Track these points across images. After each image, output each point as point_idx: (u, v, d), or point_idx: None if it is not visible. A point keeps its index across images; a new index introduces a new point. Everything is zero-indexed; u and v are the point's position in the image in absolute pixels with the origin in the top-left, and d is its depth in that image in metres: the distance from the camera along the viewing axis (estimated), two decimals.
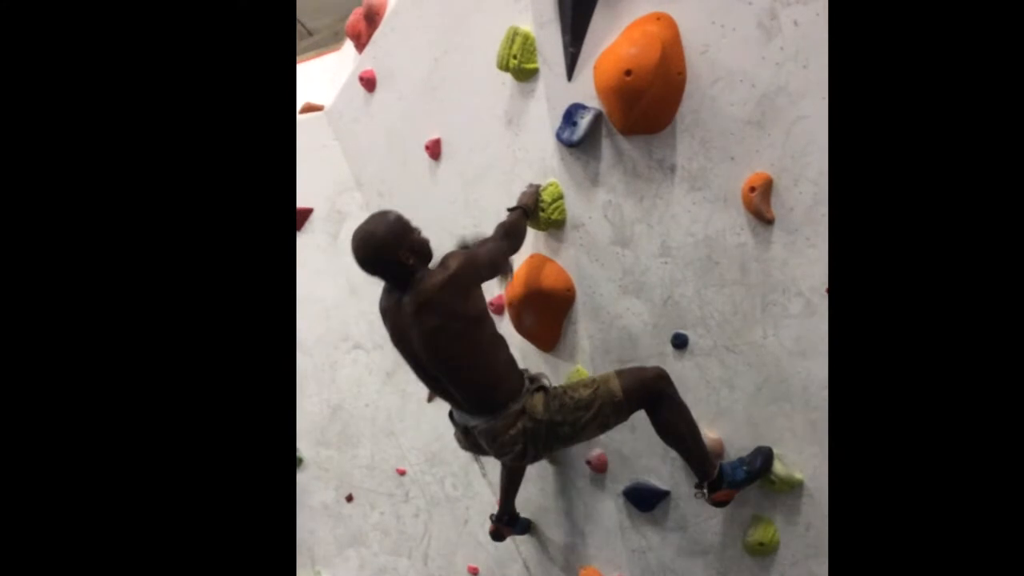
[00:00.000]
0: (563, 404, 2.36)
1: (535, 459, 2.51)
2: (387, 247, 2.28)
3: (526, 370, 2.51)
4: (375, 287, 3.69)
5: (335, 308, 3.83)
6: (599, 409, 2.36)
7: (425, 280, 2.27)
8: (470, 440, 2.54)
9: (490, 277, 2.49)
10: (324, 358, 3.95)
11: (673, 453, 2.57)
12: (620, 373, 2.42)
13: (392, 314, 2.41)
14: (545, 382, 2.44)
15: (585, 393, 2.37)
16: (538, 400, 2.36)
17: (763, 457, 2.42)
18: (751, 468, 2.42)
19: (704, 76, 2.22)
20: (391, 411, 3.80)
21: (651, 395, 2.39)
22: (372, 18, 3.20)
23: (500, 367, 2.40)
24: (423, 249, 2.35)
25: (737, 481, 2.42)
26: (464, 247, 2.58)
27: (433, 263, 2.37)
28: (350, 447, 4.02)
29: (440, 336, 2.27)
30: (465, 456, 3.56)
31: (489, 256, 2.41)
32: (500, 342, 2.44)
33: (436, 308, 2.24)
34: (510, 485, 3.13)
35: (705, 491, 2.43)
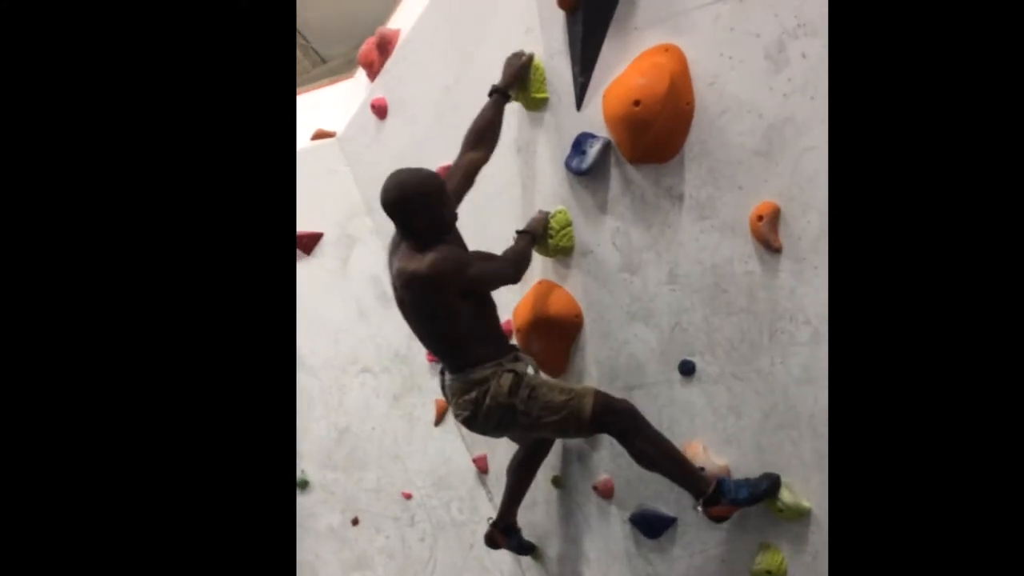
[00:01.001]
0: (532, 397, 2.37)
1: (483, 432, 2.56)
2: (408, 201, 2.30)
3: (519, 350, 2.55)
4: (384, 311, 3.70)
5: (344, 331, 3.83)
6: (564, 418, 2.38)
7: (415, 259, 2.28)
8: (446, 395, 2.57)
9: (476, 291, 2.44)
10: (332, 381, 3.94)
11: None
12: (598, 395, 2.41)
13: (391, 259, 2.47)
14: (521, 368, 2.44)
15: (558, 399, 2.38)
16: (505, 381, 2.37)
17: (770, 482, 2.37)
18: (755, 490, 2.37)
19: (712, 107, 2.23)
20: (398, 435, 3.78)
21: (618, 427, 2.41)
22: (384, 47, 3.23)
23: (474, 332, 2.42)
24: (438, 223, 2.35)
25: (739, 499, 2.37)
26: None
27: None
28: (356, 470, 4.00)
29: (413, 306, 2.39)
30: (472, 480, 3.54)
31: (482, 274, 2.42)
32: (483, 312, 2.46)
33: (411, 289, 2.32)
34: (515, 492, 3.03)
35: (700, 506, 2.40)
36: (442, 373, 2.59)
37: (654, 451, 2.41)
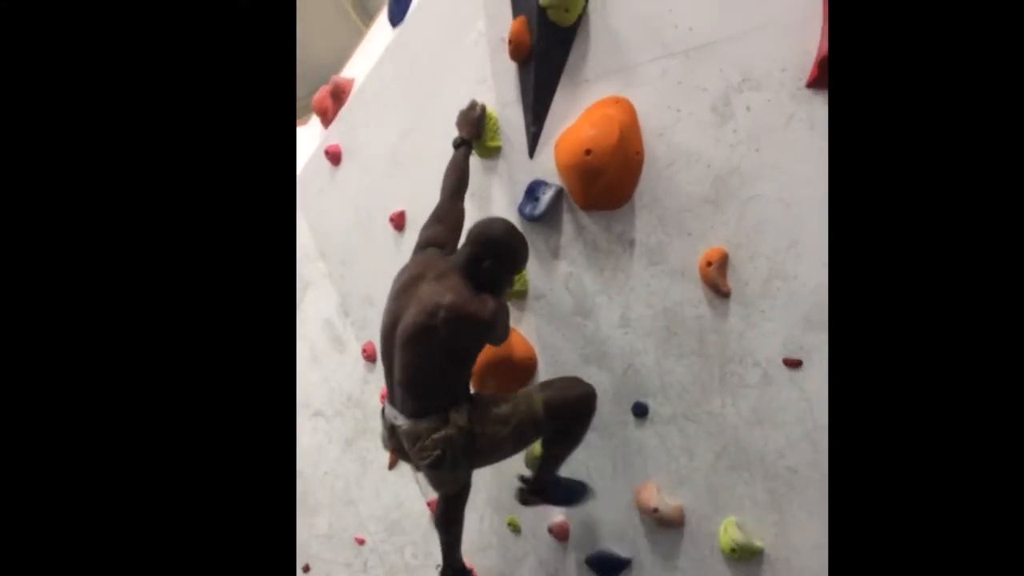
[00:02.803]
0: (482, 416, 2.27)
1: (452, 469, 2.32)
2: (507, 249, 2.24)
3: (476, 394, 2.43)
4: (337, 355, 3.62)
5: (297, 375, 3.73)
6: (516, 426, 2.27)
7: (475, 300, 2.17)
8: (394, 440, 2.42)
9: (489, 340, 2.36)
10: None
11: (636, 521, 2.53)
12: (545, 387, 2.33)
13: (416, 278, 2.28)
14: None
15: (504, 409, 2.28)
16: (463, 410, 2.27)
17: (577, 492, 2.67)
18: (565, 494, 2.65)
19: (661, 157, 2.25)
20: (350, 479, 3.68)
21: (571, 417, 2.33)
22: (338, 95, 3.20)
23: (453, 381, 2.30)
24: (505, 283, 2.30)
25: (554, 498, 2.62)
26: None
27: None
28: (308, 516, 3.87)
29: (442, 338, 2.17)
30: (426, 524, 3.45)
31: (505, 335, 2.37)
32: (469, 365, 2.34)
33: (456, 324, 2.14)
34: (451, 539, 2.89)
35: (525, 488, 2.58)
36: (383, 417, 2.45)
37: (566, 453, 2.44)
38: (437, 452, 2.24)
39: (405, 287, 2.29)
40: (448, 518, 2.79)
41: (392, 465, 3.44)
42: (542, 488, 2.58)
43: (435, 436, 2.23)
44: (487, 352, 2.74)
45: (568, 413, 2.30)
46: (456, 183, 2.50)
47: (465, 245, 2.28)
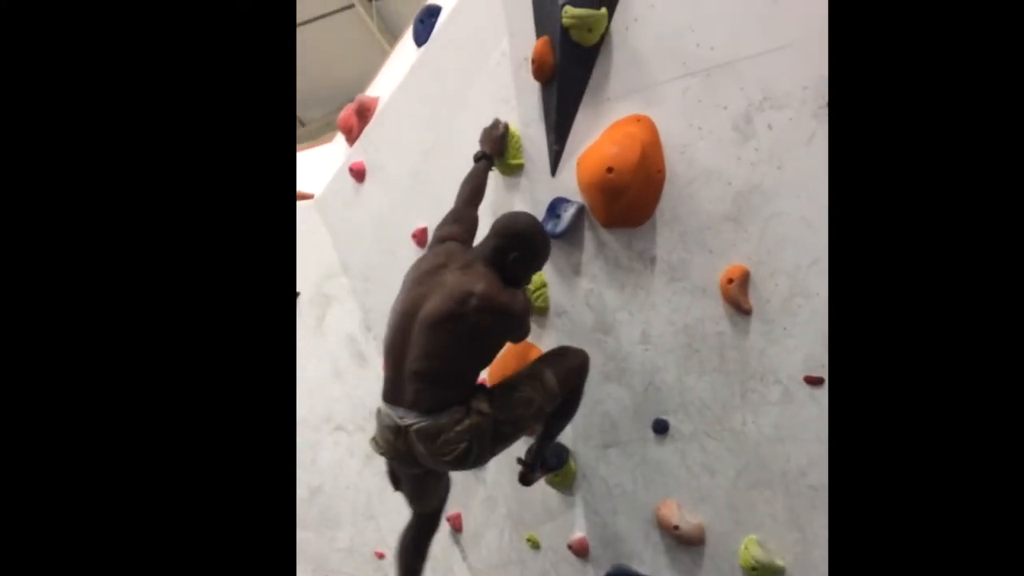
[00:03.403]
0: (505, 403, 2.22)
1: (476, 463, 2.25)
2: (531, 243, 2.23)
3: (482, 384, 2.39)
4: (359, 369, 3.63)
5: (318, 389, 3.74)
6: (539, 405, 2.27)
7: (506, 292, 2.16)
8: (398, 443, 2.22)
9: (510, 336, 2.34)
10: (305, 439, 3.83)
11: (656, 538, 2.50)
12: (546, 363, 2.32)
13: (439, 267, 2.24)
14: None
15: (525, 391, 2.25)
16: (483, 399, 2.21)
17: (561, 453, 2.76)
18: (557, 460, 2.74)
19: (683, 174, 2.25)
20: (372, 493, 3.67)
21: (577, 385, 2.36)
22: (364, 113, 3.24)
23: (471, 374, 2.27)
24: (518, 278, 2.27)
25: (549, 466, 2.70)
26: None
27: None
28: (328, 530, 3.87)
29: (472, 327, 2.13)
30: (445, 539, 3.43)
31: (526, 331, 2.36)
32: (488, 359, 2.30)
33: (488, 314, 2.12)
34: (414, 567, 2.74)
35: (529, 466, 2.56)
36: (381, 420, 2.27)
37: (565, 422, 2.47)
38: (464, 444, 2.14)
39: (426, 275, 2.24)
40: (417, 546, 2.70)
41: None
42: (543, 461, 2.62)
43: (459, 428, 2.13)
44: (504, 369, 2.73)
45: (575, 382, 2.34)
46: (473, 191, 2.51)
47: (490, 237, 2.26)
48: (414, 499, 2.57)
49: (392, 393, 2.24)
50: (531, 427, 2.36)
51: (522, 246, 2.22)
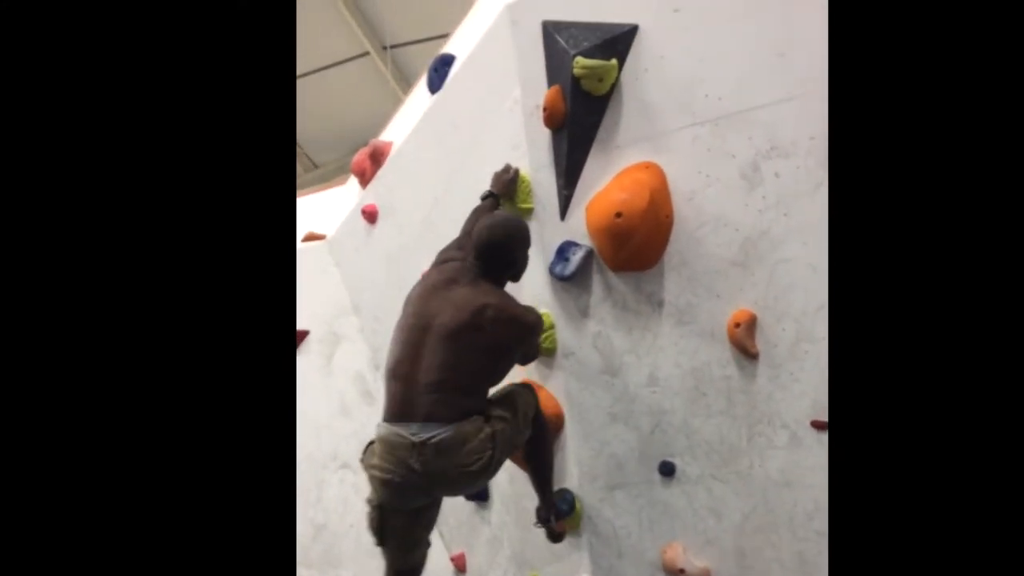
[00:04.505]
0: (513, 408, 2.24)
1: (494, 472, 2.21)
2: (513, 243, 2.26)
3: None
4: (367, 407, 3.60)
5: (326, 427, 3.71)
6: (536, 413, 2.34)
7: (512, 303, 2.23)
8: (410, 462, 2.06)
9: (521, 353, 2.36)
10: (311, 476, 3.78)
11: None
12: (507, 392, 2.32)
13: (449, 281, 2.24)
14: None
15: (524, 398, 2.31)
16: (499, 407, 2.21)
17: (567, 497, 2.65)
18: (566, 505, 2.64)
19: (691, 220, 2.25)
20: None
21: (536, 416, 2.36)
22: (377, 157, 3.26)
23: (485, 387, 2.24)
24: (520, 272, 2.33)
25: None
26: None
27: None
28: (332, 568, 3.80)
29: (485, 338, 2.12)
30: None
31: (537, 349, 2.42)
32: (502, 374, 2.30)
33: (501, 324, 2.14)
34: None
35: (546, 518, 2.51)
36: (386, 445, 2.13)
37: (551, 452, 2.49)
38: (488, 452, 2.09)
39: (432, 291, 2.24)
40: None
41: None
42: (557, 511, 2.59)
43: (482, 436, 2.09)
44: None
45: (538, 409, 2.36)
46: (477, 222, 2.50)
47: (475, 260, 2.25)
48: (402, 546, 2.35)
49: (401, 410, 2.13)
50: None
51: (508, 250, 2.25)
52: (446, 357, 2.10)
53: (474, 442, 2.07)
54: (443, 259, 2.43)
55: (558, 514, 2.59)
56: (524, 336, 2.23)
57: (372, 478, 2.20)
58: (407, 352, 2.17)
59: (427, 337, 2.14)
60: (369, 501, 2.28)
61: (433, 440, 2.05)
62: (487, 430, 2.10)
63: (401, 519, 2.26)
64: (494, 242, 2.23)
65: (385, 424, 2.16)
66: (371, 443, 2.23)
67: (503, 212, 2.39)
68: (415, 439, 2.06)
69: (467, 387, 2.13)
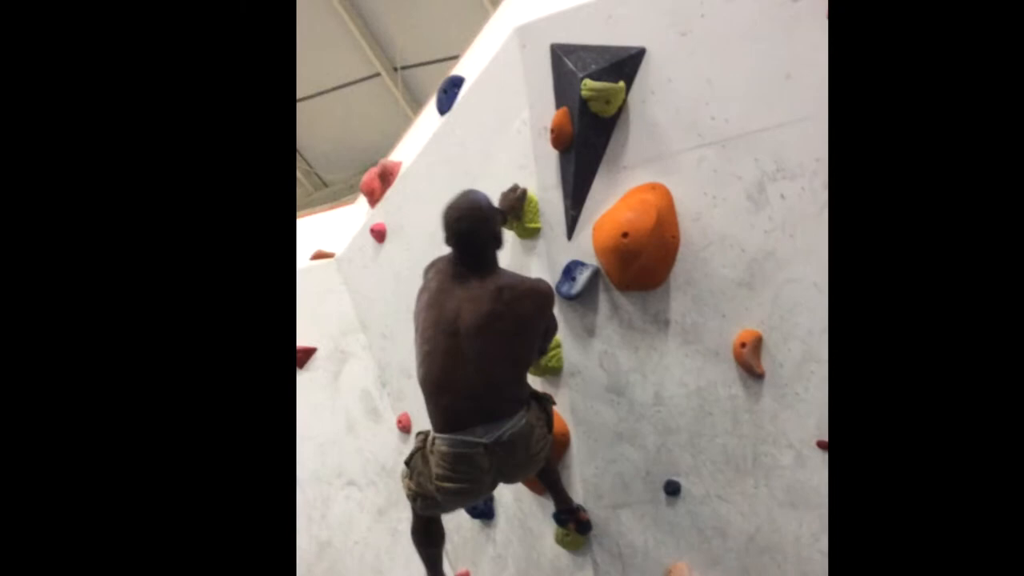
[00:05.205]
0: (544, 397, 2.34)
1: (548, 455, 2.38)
2: (486, 222, 2.22)
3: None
4: (372, 425, 3.59)
5: (331, 444, 3.69)
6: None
7: (521, 280, 2.22)
8: (482, 464, 2.10)
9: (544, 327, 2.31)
10: (316, 493, 3.76)
11: None
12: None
13: (448, 288, 2.20)
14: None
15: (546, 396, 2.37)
16: (541, 393, 2.34)
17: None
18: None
19: (697, 240, 2.25)
20: (380, 549, 3.58)
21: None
22: (386, 177, 3.27)
23: (524, 372, 2.26)
24: (499, 245, 2.28)
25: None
26: None
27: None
28: None
29: (522, 323, 2.14)
30: None
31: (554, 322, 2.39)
32: (533, 355, 2.30)
33: (531, 302, 2.15)
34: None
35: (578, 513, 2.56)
36: (456, 447, 2.11)
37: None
38: (549, 436, 2.25)
39: (442, 295, 2.20)
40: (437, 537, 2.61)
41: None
42: (569, 499, 2.62)
43: (540, 423, 2.22)
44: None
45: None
46: None
47: (457, 254, 2.25)
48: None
49: (457, 419, 2.11)
50: None
51: (483, 230, 2.21)
52: (487, 352, 2.10)
53: (538, 428, 2.20)
54: (430, 266, 2.41)
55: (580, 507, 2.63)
56: (544, 304, 2.20)
57: (441, 490, 2.17)
58: (445, 361, 2.14)
59: (458, 340, 2.12)
60: (416, 511, 2.35)
61: (504, 437, 2.09)
62: (543, 417, 2.24)
63: (451, 505, 2.34)
64: (465, 229, 2.21)
65: (446, 436, 2.13)
66: (411, 459, 2.26)
67: (455, 200, 2.30)
68: (487, 441, 2.08)
69: (512, 377, 2.18)
